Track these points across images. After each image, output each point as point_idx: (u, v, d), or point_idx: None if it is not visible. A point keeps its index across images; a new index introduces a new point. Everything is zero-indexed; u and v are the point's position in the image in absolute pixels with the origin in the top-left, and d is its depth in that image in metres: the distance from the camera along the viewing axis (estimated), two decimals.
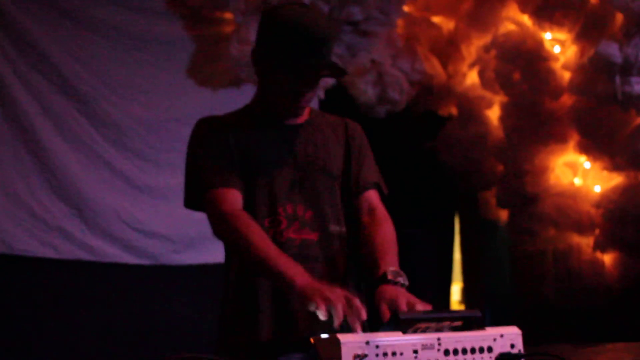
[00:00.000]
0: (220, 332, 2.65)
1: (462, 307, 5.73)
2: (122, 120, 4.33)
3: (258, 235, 2.49)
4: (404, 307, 2.31)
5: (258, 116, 2.71)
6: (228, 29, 4.55)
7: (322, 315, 2.21)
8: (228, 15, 4.52)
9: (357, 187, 2.75)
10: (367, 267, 2.59)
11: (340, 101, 4.96)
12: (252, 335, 2.54)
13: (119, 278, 4.23)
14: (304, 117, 2.73)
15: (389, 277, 2.46)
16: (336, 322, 2.22)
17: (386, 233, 2.68)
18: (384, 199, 2.84)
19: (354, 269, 2.65)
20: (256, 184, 2.60)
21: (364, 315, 2.24)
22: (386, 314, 2.33)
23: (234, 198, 2.57)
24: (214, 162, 2.59)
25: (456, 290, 5.79)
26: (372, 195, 2.77)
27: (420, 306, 2.35)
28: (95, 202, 4.19)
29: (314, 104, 4.69)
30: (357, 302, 2.26)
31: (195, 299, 4.05)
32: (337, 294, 2.26)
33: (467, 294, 5.72)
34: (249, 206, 2.59)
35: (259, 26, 2.65)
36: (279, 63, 2.58)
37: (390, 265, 2.52)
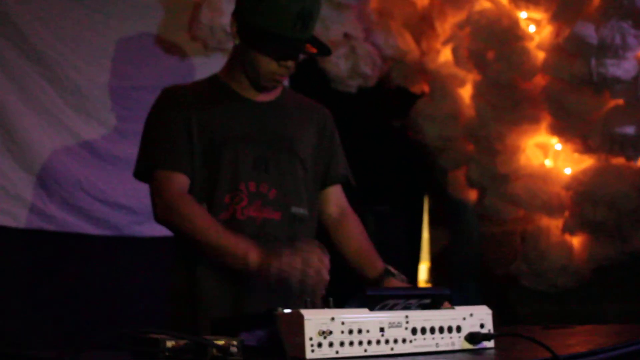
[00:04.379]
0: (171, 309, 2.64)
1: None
2: (87, 87, 4.21)
3: (202, 218, 2.46)
4: None
5: (227, 89, 2.65)
6: None
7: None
8: None
9: (326, 178, 2.73)
10: (357, 264, 2.64)
11: (311, 74, 4.88)
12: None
13: (81, 249, 4.13)
14: (274, 94, 2.69)
15: (392, 271, 2.51)
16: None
17: (363, 231, 2.73)
18: (351, 188, 2.85)
19: None
20: (220, 159, 2.56)
21: (326, 262, 2.24)
22: None
23: (180, 182, 2.53)
24: (168, 140, 2.55)
25: (424, 270, 5.76)
26: (340, 190, 2.78)
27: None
28: (56, 170, 4.07)
29: None
30: (313, 257, 2.25)
31: (158, 271, 3.96)
32: (293, 261, 2.24)
33: (435, 274, 5.69)
34: (212, 182, 2.55)
35: None
36: (262, 37, 2.51)
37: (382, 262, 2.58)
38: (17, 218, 3.96)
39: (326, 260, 2.30)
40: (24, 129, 3.98)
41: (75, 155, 4.15)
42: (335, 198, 2.77)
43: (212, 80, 2.72)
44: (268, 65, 2.55)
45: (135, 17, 4.36)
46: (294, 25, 2.47)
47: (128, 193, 4.10)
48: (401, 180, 5.45)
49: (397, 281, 2.53)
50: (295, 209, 2.62)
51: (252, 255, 2.34)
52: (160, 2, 4.42)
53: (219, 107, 2.61)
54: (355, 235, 2.72)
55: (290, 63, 2.57)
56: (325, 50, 2.67)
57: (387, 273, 2.54)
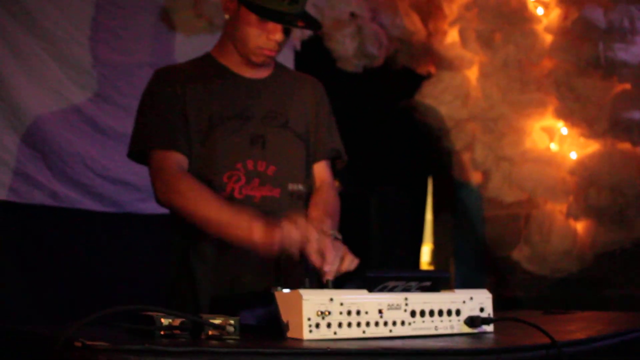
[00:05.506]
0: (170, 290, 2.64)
1: (431, 269, 5.69)
2: (92, 64, 4.19)
3: (203, 196, 2.46)
4: (329, 254, 2.30)
5: (220, 67, 2.64)
6: None
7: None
8: None
9: (314, 155, 2.72)
10: None
11: (317, 54, 4.85)
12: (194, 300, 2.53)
13: (83, 225, 4.12)
14: (267, 71, 2.67)
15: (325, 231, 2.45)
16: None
17: (327, 201, 2.67)
18: (341, 165, 2.81)
19: None
20: (217, 138, 2.55)
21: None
22: (318, 261, 2.32)
23: (178, 161, 2.53)
24: (163, 120, 2.54)
25: (426, 252, 5.75)
26: (325, 165, 2.75)
27: (349, 257, 2.34)
28: (60, 146, 4.05)
29: (289, 55, 4.61)
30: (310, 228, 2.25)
31: (161, 248, 3.97)
32: (292, 232, 2.25)
33: (437, 256, 5.68)
34: (210, 161, 2.54)
35: None
36: (252, 8, 2.50)
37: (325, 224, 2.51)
38: (20, 193, 3.94)
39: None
40: (28, 105, 3.96)
41: (79, 132, 4.13)
42: (318, 172, 2.74)
43: (205, 58, 2.71)
44: (257, 39, 2.54)
45: None
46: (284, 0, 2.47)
47: (131, 170, 4.07)
48: (406, 161, 5.42)
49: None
50: (291, 186, 2.62)
51: (256, 231, 2.33)
52: None
53: (212, 85, 2.60)
54: (316, 202, 2.65)
55: (279, 37, 2.55)
56: (314, 25, 2.66)
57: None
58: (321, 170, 2.74)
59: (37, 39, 4.01)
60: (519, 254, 5.11)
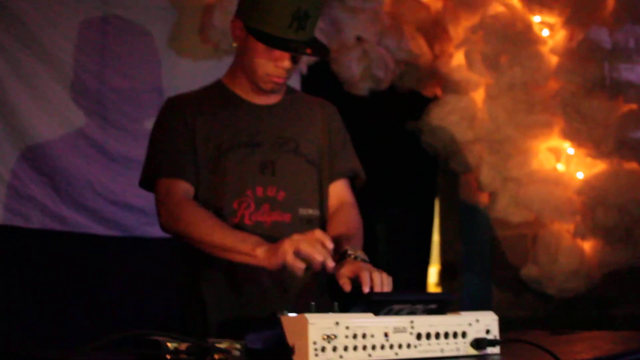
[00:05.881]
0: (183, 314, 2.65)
1: (438, 290, 5.68)
2: (99, 89, 4.22)
3: (206, 222, 2.47)
4: (366, 277, 2.29)
5: (230, 94, 2.65)
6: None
7: (299, 271, 2.21)
8: None
9: (332, 174, 2.72)
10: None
11: (323, 77, 4.87)
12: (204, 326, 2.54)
13: (91, 249, 4.14)
14: (278, 97, 2.68)
15: (349, 252, 2.45)
16: (316, 265, 2.21)
17: (350, 220, 2.66)
18: (360, 184, 2.81)
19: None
20: (226, 165, 2.56)
21: (328, 244, 2.22)
22: (347, 285, 2.31)
23: (183, 189, 2.54)
24: (171, 149, 2.57)
25: (433, 273, 5.74)
26: (343, 185, 2.74)
27: (385, 276, 2.32)
28: (67, 171, 4.08)
29: (296, 79, 4.63)
30: (317, 234, 2.25)
31: (167, 272, 3.98)
32: (298, 241, 2.24)
33: (445, 277, 5.67)
34: (220, 188, 2.55)
35: None
36: (259, 36, 2.52)
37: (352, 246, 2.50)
38: (29, 218, 3.96)
39: (328, 242, 2.30)
40: (35, 131, 3.99)
41: (86, 156, 4.16)
42: (336, 193, 2.74)
43: (216, 85, 2.72)
44: (264, 66, 2.55)
45: (148, 20, 4.36)
46: (290, 26, 2.47)
47: (138, 194, 4.05)
48: (413, 183, 5.43)
49: (350, 261, 2.44)
50: (302, 211, 2.62)
51: (259, 250, 2.35)
52: (173, 4, 4.42)
53: (222, 112, 2.62)
54: (338, 222, 2.65)
55: (287, 64, 2.56)
56: (322, 52, 2.66)
57: (343, 256, 2.46)
58: (339, 190, 2.73)
59: (43, 63, 4.04)
60: (527, 274, 5.11)
